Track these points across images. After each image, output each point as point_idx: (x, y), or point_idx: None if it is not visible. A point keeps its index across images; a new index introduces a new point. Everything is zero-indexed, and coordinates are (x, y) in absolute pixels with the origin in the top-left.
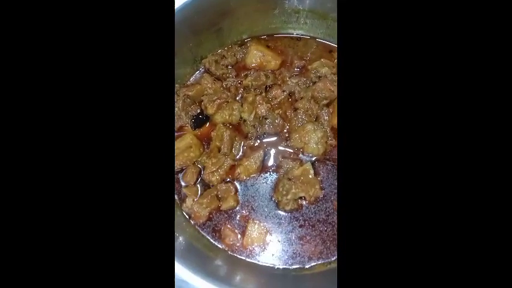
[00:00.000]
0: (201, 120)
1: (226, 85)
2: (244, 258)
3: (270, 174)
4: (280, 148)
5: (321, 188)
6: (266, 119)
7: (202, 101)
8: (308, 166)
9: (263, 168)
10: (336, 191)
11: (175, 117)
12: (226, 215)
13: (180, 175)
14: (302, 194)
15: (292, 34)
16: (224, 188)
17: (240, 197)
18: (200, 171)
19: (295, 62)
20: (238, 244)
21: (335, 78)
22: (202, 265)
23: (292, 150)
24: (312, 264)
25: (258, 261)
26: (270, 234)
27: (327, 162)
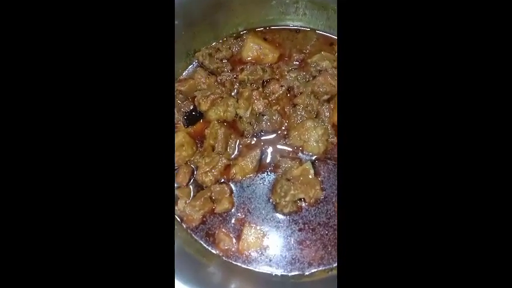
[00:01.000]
0: (193, 117)
1: (220, 80)
2: (239, 264)
3: (267, 174)
4: (279, 146)
5: (322, 189)
6: (263, 115)
7: (195, 96)
8: (308, 166)
9: (260, 168)
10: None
11: None
12: (220, 218)
13: None
14: (302, 196)
15: (291, 26)
16: (218, 189)
17: (235, 199)
18: (193, 172)
19: (294, 55)
20: (233, 249)
21: (336, 72)
22: (195, 272)
23: (291, 149)
24: (312, 270)
25: (255, 267)
26: (268, 238)
27: (328, 161)
